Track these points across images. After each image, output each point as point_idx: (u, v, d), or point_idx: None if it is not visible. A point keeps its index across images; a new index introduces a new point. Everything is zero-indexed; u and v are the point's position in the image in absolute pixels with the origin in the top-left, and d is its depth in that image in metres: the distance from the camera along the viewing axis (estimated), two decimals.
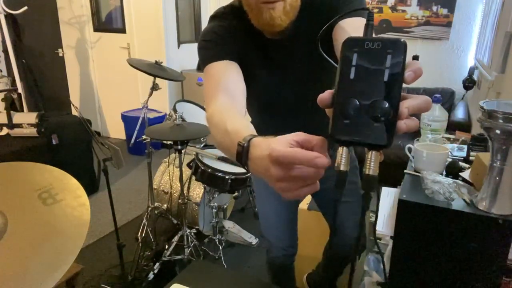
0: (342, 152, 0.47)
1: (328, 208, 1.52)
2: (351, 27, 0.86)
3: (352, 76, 0.45)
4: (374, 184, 0.46)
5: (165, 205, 2.47)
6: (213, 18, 1.06)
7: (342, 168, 0.47)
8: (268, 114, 1.19)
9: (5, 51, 3.62)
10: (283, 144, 0.51)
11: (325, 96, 0.47)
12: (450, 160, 1.40)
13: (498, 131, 1.00)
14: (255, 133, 0.65)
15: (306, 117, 1.08)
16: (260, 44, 1.03)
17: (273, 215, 1.45)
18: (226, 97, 0.85)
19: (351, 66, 0.45)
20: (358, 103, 0.45)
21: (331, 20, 0.68)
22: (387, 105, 0.44)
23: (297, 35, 1.00)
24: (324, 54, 0.56)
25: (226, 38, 1.00)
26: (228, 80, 0.92)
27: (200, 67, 1.03)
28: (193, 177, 2.21)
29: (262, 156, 0.55)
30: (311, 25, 0.94)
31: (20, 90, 3.64)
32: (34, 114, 2.73)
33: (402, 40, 0.45)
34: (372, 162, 0.45)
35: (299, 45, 1.02)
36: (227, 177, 2.03)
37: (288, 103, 1.13)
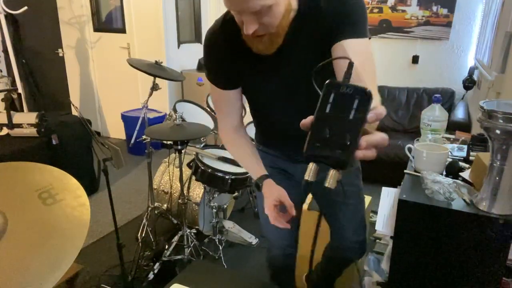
0: (312, 167, 0.60)
1: (328, 209, 1.52)
2: (352, 51, 0.95)
3: (327, 110, 0.57)
4: None
5: (165, 205, 2.47)
6: (210, 36, 1.12)
7: (309, 179, 0.60)
8: (269, 117, 1.25)
9: (5, 51, 3.62)
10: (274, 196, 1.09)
11: (307, 122, 0.59)
12: (450, 160, 1.40)
13: (498, 131, 1.00)
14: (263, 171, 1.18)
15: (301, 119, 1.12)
16: (254, 58, 1.05)
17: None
18: (229, 126, 1.23)
19: (328, 103, 0.57)
20: (328, 132, 0.57)
21: (330, 37, 0.90)
22: (349, 137, 0.56)
23: (292, 46, 1.02)
24: (316, 86, 0.64)
25: (220, 67, 1.13)
26: (226, 109, 1.20)
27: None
28: (193, 177, 2.22)
29: (268, 194, 1.11)
30: (308, 36, 1.00)
31: (20, 90, 3.64)
32: (34, 114, 2.73)
33: (368, 90, 0.57)
34: (331, 178, 0.60)
35: (295, 54, 1.04)
36: (227, 177, 2.03)
37: (285, 108, 1.17)
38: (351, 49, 0.95)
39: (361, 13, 1.00)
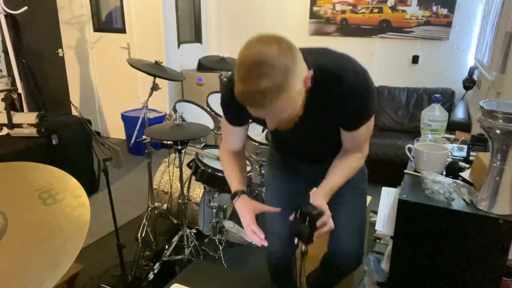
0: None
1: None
2: (354, 137, 1.20)
3: (297, 217, 1.13)
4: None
5: (165, 205, 2.47)
6: (228, 89, 1.20)
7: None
8: (284, 143, 1.45)
9: (5, 51, 3.62)
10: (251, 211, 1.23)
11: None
12: (450, 160, 1.40)
13: (498, 131, 1.00)
14: (241, 186, 1.31)
15: (308, 155, 1.41)
16: None
17: (276, 203, 1.45)
18: (229, 149, 1.38)
19: (296, 214, 1.14)
20: (298, 228, 1.14)
21: (338, 120, 1.17)
22: (305, 233, 1.12)
23: (308, 113, 1.11)
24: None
25: (234, 108, 1.17)
26: (230, 139, 1.37)
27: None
28: (193, 177, 2.21)
29: (243, 208, 1.25)
30: (321, 110, 1.13)
31: (20, 90, 3.64)
32: (34, 114, 2.73)
33: (315, 213, 1.11)
34: (303, 246, 1.20)
35: (310, 120, 1.14)
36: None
37: (296, 145, 1.38)
38: (357, 132, 1.18)
39: (373, 98, 1.12)
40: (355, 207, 1.43)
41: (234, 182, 1.32)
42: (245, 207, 1.25)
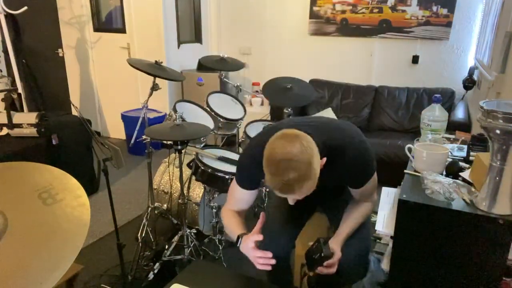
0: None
1: (333, 216, 1.55)
2: (361, 192, 1.39)
3: (310, 250, 1.32)
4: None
5: (165, 205, 2.47)
6: (246, 158, 1.40)
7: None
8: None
9: (5, 51, 3.62)
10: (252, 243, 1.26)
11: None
12: (450, 160, 1.40)
13: (498, 131, 1.00)
14: (243, 231, 1.37)
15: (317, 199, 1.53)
16: None
17: (282, 210, 1.57)
18: (233, 209, 1.48)
19: (312, 248, 1.32)
20: (310, 261, 1.33)
21: (345, 182, 1.40)
22: (315, 262, 1.30)
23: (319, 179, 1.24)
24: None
25: (249, 173, 1.38)
26: (238, 202, 1.47)
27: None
28: (193, 177, 2.21)
29: (245, 246, 1.28)
30: (330, 177, 1.28)
31: (20, 90, 3.63)
32: (34, 114, 2.73)
33: (323, 255, 1.27)
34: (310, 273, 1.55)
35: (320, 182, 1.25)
36: (227, 177, 2.03)
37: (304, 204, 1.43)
38: (363, 189, 1.37)
39: (372, 162, 1.32)
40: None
41: (236, 230, 1.38)
42: (246, 244, 1.29)
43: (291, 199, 1.20)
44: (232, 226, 1.41)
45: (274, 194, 1.64)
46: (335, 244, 1.32)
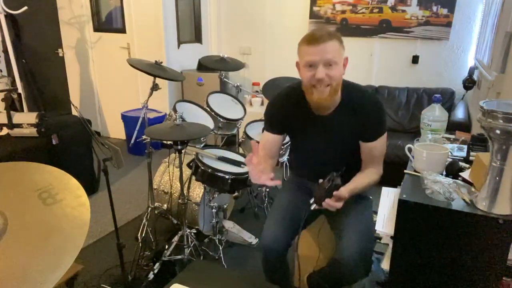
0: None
1: (333, 215, 1.55)
2: (372, 149, 1.50)
3: (326, 180, 1.36)
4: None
5: (165, 205, 2.47)
6: (277, 96, 1.61)
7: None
8: (305, 153, 1.67)
9: (5, 51, 3.61)
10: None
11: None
12: (450, 160, 1.40)
13: (498, 131, 1.00)
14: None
15: (328, 165, 1.53)
16: (308, 118, 1.54)
17: (284, 205, 1.62)
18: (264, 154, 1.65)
19: (329, 176, 1.35)
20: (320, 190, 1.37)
21: (362, 130, 1.49)
22: (324, 194, 1.35)
23: (334, 121, 1.50)
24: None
25: (276, 117, 1.60)
26: (265, 147, 1.64)
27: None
28: (193, 177, 2.21)
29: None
30: (345, 119, 1.48)
31: (20, 90, 3.63)
32: (34, 114, 2.73)
33: (337, 184, 1.34)
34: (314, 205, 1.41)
35: (334, 126, 1.51)
36: (227, 177, 2.03)
37: (316, 150, 1.60)
38: (374, 145, 1.50)
39: (385, 119, 1.52)
40: (361, 211, 1.53)
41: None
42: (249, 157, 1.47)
43: (319, 71, 1.35)
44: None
45: (275, 195, 1.66)
46: (344, 189, 1.36)
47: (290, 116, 1.57)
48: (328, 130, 1.52)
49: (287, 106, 1.57)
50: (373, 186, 1.54)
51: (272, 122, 1.63)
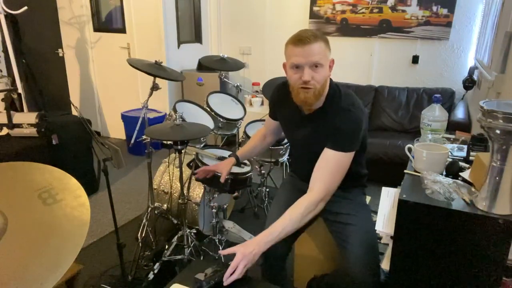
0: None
1: (336, 228, 1.54)
2: (324, 157, 1.43)
3: None
4: None
5: (165, 205, 2.47)
6: (278, 87, 1.68)
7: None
8: (294, 149, 1.76)
9: (5, 51, 3.61)
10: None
11: None
12: (450, 160, 1.40)
13: (498, 131, 1.00)
14: (238, 153, 1.86)
15: (307, 157, 1.56)
16: (294, 113, 1.57)
17: (277, 210, 1.58)
18: (263, 130, 1.87)
19: None
20: None
21: (327, 134, 1.43)
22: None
23: (315, 121, 1.52)
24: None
25: (271, 103, 1.73)
26: (269, 127, 1.82)
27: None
28: (193, 177, 2.21)
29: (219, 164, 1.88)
30: (323, 124, 1.48)
31: (20, 90, 3.63)
32: (34, 114, 2.73)
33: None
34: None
35: (314, 127, 1.52)
36: (227, 177, 2.02)
37: (301, 147, 1.65)
38: (332, 157, 1.42)
39: (354, 137, 1.44)
40: (361, 221, 1.51)
41: (241, 148, 1.87)
42: (219, 164, 1.84)
43: (306, 73, 1.36)
44: (247, 144, 1.89)
45: (275, 195, 1.67)
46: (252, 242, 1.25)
47: (281, 107, 1.66)
48: (305, 126, 1.54)
49: (281, 97, 1.63)
50: (317, 212, 1.40)
51: (270, 107, 1.76)
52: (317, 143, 1.47)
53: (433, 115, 1.69)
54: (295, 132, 1.60)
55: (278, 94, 1.66)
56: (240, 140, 2.73)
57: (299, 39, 1.35)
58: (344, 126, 1.41)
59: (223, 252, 1.24)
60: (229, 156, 1.84)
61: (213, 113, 2.58)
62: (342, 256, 1.49)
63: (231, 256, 1.19)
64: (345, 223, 1.51)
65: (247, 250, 1.19)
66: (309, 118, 1.52)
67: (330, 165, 1.41)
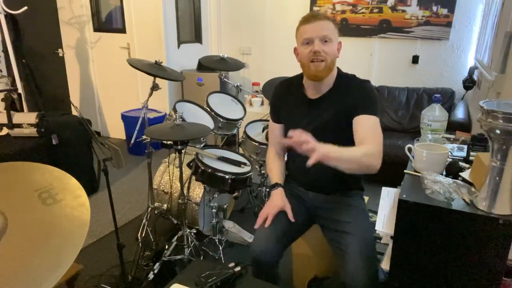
0: None
1: (334, 236, 1.53)
2: (363, 123, 1.43)
3: None
4: None
5: (165, 205, 2.47)
6: (280, 83, 1.70)
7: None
8: (295, 170, 1.72)
9: (5, 51, 3.61)
10: (280, 204, 1.54)
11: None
12: (450, 160, 1.40)
13: (498, 131, 1.00)
14: (280, 180, 1.65)
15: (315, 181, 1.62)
16: (303, 101, 1.59)
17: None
18: (274, 149, 1.76)
19: None
20: None
21: (350, 107, 1.47)
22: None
23: (327, 101, 1.54)
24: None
25: (277, 105, 1.69)
26: (273, 137, 1.77)
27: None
28: (193, 177, 2.21)
29: (277, 197, 1.57)
30: (337, 101, 1.51)
31: (20, 90, 3.63)
32: (34, 114, 2.73)
33: None
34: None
35: (326, 108, 1.54)
36: (227, 177, 2.03)
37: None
38: (362, 122, 1.44)
39: (375, 99, 1.50)
40: (362, 234, 1.47)
41: (276, 176, 1.66)
42: (279, 198, 1.55)
43: (317, 44, 1.42)
44: (274, 170, 1.69)
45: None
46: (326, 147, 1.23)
47: (284, 100, 1.66)
48: (314, 111, 1.55)
49: (284, 90, 1.67)
50: (369, 168, 1.34)
51: (273, 111, 1.72)
52: (324, 122, 1.51)
53: (433, 115, 1.69)
54: (302, 121, 1.56)
55: (281, 88, 1.69)
56: (240, 140, 2.73)
57: (311, 16, 1.46)
58: (366, 94, 1.48)
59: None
60: (275, 187, 1.61)
61: (213, 113, 2.58)
62: (340, 265, 1.45)
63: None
64: (344, 232, 1.47)
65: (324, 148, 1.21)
66: (318, 103, 1.55)
67: (370, 127, 1.43)
